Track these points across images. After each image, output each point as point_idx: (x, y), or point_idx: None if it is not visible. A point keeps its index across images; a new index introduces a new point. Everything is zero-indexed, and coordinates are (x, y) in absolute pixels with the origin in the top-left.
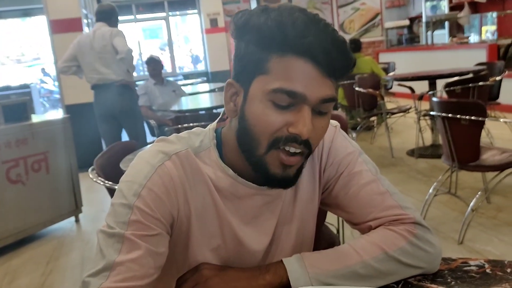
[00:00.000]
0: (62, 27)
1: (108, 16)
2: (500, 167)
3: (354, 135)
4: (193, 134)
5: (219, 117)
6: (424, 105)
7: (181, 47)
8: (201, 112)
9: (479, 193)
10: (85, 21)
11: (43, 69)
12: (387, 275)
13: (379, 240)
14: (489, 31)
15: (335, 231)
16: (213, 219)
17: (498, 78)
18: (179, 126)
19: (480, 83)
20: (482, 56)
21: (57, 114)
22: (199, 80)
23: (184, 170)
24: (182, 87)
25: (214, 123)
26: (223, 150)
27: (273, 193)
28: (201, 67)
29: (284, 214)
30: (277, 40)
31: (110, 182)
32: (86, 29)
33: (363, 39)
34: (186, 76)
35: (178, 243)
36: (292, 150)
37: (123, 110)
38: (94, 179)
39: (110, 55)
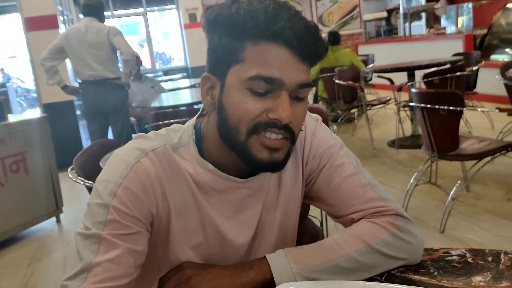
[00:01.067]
0: (37, 24)
1: (97, 11)
2: (478, 156)
3: (335, 127)
4: (172, 130)
5: (199, 113)
6: (404, 96)
7: (160, 43)
8: (181, 108)
9: (458, 182)
10: (61, 18)
11: (2, 69)
12: (371, 267)
13: (361, 233)
14: (465, 21)
15: (318, 224)
16: (194, 215)
17: (475, 68)
18: (159, 122)
19: (458, 74)
20: (458, 46)
21: (35, 113)
22: (179, 75)
23: (162, 167)
24: (162, 83)
25: (193, 119)
26: (203, 145)
27: (256, 186)
28: (180, 62)
29: (268, 204)
30: (250, 27)
31: (90, 182)
32: (62, 27)
33: (342, 32)
34: (166, 72)
35: (158, 241)
36: (273, 136)
37: (117, 107)
38: (74, 179)
39: (105, 53)
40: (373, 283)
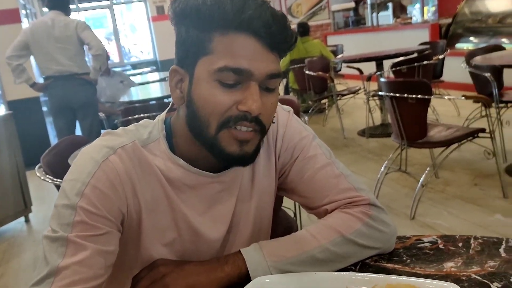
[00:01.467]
0: None
1: (62, 4)
2: (446, 143)
3: (306, 118)
4: (141, 126)
5: (168, 107)
6: (373, 86)
7: (128, 36)
8: (151, 102)
9: (427, 169)
10: (23, 11)
11: None
12: (345, 257)
13: (335, 224)
14: (430, 11)
15: (292, 215)
16: (166, 212)
17: (441, 56)
18: (129, 117)
19: (425, 62)
20: (425, 35)
21: None
22: (148, 69)
23: (131, 164)
24: (131, 77)
25: (163, 114)
26: (174, 140)
27: (228, 180)
28: (149, 56)
29: (242, 197)
30: (217, 18)
31: (59, 180)
32: (25, 21)
33: (311, 23)
34: (134, 65)
35: (130, 239)
36: (244, 129)
37: (85, 102)
38: (42, 178)
39: (73, 47)
40: (347, 273)
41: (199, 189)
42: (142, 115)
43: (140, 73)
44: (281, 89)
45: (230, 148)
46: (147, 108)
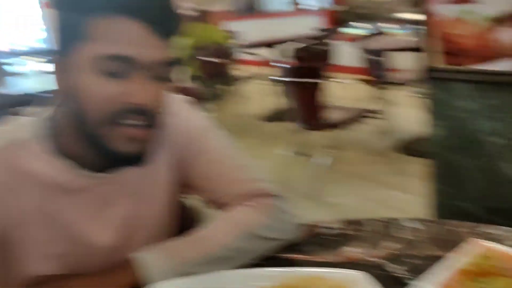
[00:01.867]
0: None
1: None
2: (343, 124)
3: (207, 105)
4: (18, 125)
5: (53, 102)
6: (271, 71)
7: (16, 23)
8: (37, 95)
9: (328, 150)
10: None
11: None
12: (251, 252)
13: (238, 218)
14: None
15: (193, 208)
16: (49, 222)
17: (335, 41)
18: (8, 112)
19: (320, 47)
20: (320, 21)
21: None
22: (39, 58)
23: (5, 170)
24: (18, 66)
25: (46, 110)
26: (58, 139)
27: (121, 180)
28: (41, 45)
29: (136, 198)
30: (94, 0)
31: None
32: None
33: (211, 9)
34: (25, 54)
35: (8, 256)
36: (132, 122)
37: None
38: None
39: None
40: (255, 269)
41: (87, 192)
42: (23, 108)
43: (26, 63)
44: (185, 77)
45: (117, 146)
46: (29, 101)
